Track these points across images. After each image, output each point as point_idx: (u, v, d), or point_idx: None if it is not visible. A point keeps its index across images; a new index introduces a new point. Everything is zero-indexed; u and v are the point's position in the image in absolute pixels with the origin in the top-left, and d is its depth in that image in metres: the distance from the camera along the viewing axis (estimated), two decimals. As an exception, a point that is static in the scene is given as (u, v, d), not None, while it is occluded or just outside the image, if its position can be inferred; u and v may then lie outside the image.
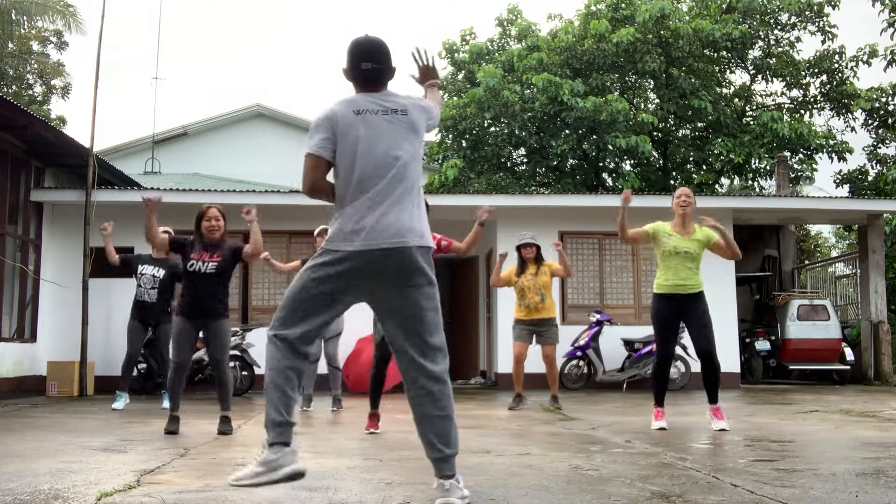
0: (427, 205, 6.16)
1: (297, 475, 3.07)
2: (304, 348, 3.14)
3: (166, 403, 8.08)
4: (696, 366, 10.10)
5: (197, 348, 6.75)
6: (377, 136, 3.18)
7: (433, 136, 19.04)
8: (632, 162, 18.10)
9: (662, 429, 6.01)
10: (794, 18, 18.06)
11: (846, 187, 18.33)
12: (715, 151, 17.11)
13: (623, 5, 17.66)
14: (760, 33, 18.07)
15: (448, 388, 3.16)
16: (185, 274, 5.84)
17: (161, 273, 8.18)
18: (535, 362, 8.67)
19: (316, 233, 8.24)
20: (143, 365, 10.48)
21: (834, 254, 23.69)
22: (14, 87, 21.21)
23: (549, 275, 8.21)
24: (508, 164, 18.60)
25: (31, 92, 21.74)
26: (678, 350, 11.25)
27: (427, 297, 3.15)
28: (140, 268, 8.25)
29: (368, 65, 3.27)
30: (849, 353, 13.22)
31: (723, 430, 5.91)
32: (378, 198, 3.13)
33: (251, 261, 6.28)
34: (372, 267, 3.10)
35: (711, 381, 6.08)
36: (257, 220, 5.71)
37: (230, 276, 5.99)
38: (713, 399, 6.09)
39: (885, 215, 14.47)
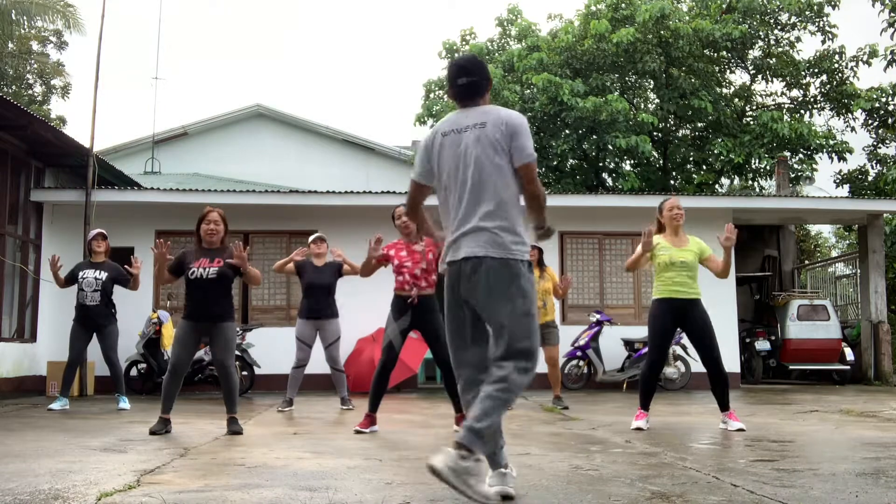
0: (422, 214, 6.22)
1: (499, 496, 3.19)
2: (480, 376, 3.35)
3: (123, 404, 8.11)
4: (696, 366, 10.14)
5: (198, 349, 6.75)
6: (460, 155, 3.38)
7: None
8: (632, 162, 18.09)
9: (639, 429, 6.03)
10: (794, 18, 18.05)
11: (846, 187, 18.31)
12: (715, 151, 17.11)
13: (623, 5, 17.66)
14: (760, 33, 18.06)
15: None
16: (187, 282, 5.86)
17: (103, 276, 8.13)
18: (534, 362, 8.66)
19: (310, 240, 8.30)
20: (144, 365, 10.49)
21: (834, 254, 23.67)
22: (14, 87, 21.21)
23: (551, 281, 8.32)
24: (508, 163, 18.57)
25: (31, 92, 21.74)
26: (679, 350, 11.27)
27: (514, 303, 3.26)
28: (81, 273, 8.16)
29: (464, 79, 3.47)
30: (849, 353, 13.22)
31: (740, 429, 5.93)
32: (460, 212, 3.35)
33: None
34: (456, 277, 3.36)
35: (720, 389, 6.08)
36: (245, 262, 5.84)
37: (232, 280, 5.99)
38: (725, 407, 6.10)
39: (885, 215, 14.48)
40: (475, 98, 3.48)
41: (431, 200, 3.57)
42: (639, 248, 6.19)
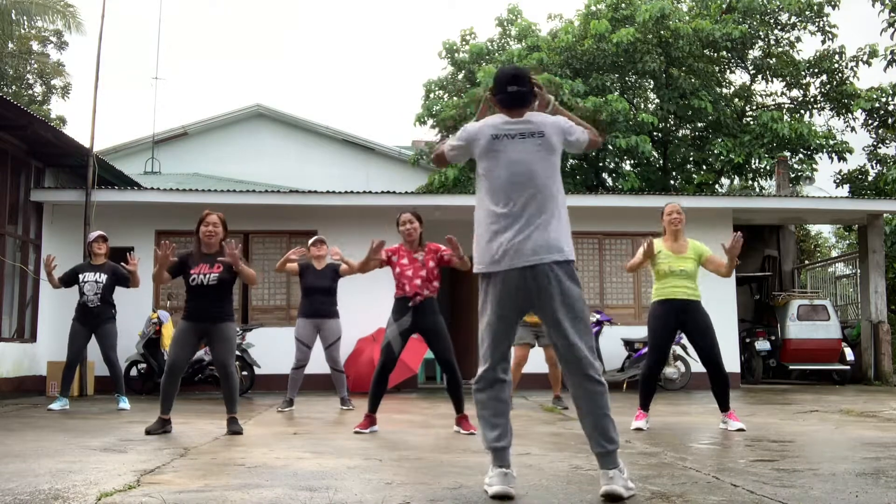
0: (419, 217, 6.22)
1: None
2: (501, 375, 3.53)
3: (123, 404, 8.12)
4: (696, 366, 10.15)
5: (198, 349, 6.75)
6: (514, 159, 3.48)
7: (433, 136, 19.08)
8: (632, 162, 18.09)
9: (639, 429, 6.03)
10: (794, 18, 18.05)
11: (846, 187, 18.31)
12: (715, 151, 17.10)
13: (623, 5, 17.65)
14: (760, 33, 18.05)
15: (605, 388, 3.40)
16: (188, 288, 5.89)
17: (103, 278, 8.15)
18: (535, 363, 8.67)
19: (310, 243, 8.29)
20: (144, 365, 10.48)
21: (834, 254, 23.67)
22: (14, 87, 21.20)
23: None
24: (508, 164, 18.57)
25: (31, 92, 21.73)
26: (679, 350, 11.26)
27: (566, 304, 3.38)
28: (82, 276, 8.18)
29: (514, 87, 3.58)
30: (849, 353, 13.22)
31: (740, 429, 5.93)
32: (518, 218, 3.42)
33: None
34: (516, 284, 3.40)
35: (721, 389, 6.08)
36: (237, 262, 5.84)
37: (233, 284, 6.02)
38: (725, 407, 6.10)
39: (885, 215, 14.47)
40: (521, 108, 3.60)
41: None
42: (639, 253, 6.19)
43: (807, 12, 17.65)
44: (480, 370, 3.54)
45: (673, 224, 6.27)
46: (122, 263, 8.20)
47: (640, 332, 11.59)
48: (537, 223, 3.41)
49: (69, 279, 8.22)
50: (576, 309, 3.40)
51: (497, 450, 3.43)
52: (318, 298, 8.04)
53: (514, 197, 3.46)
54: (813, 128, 17.02)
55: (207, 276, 5.84)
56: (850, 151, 17.16)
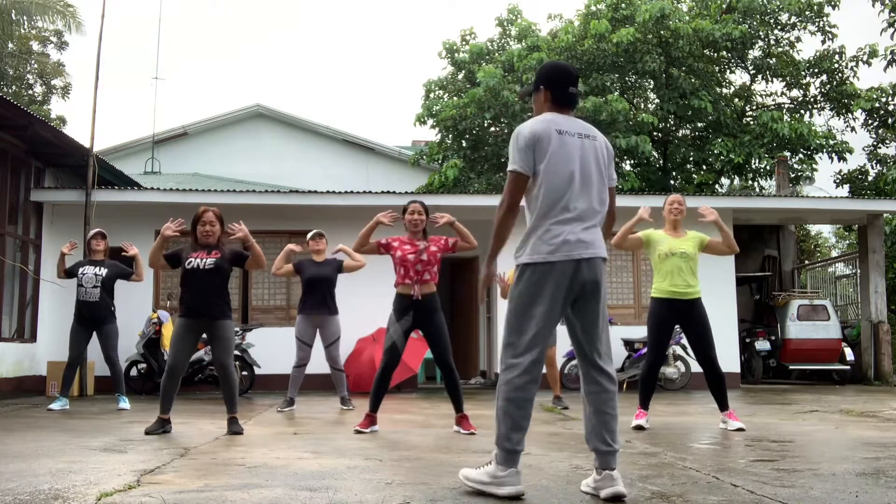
0: (426, 208, 6.24)
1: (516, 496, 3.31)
2: (539, 372, 3.46)
3: (123, 404, 8.12)
4: (696, 366, 10.14)
5: (197, 349, 6.75)
6: (575, 157, 3.48)
7: (434, 136, 19.10)
8: (632, 162, 18.09)
9: (640, 427, 6.05)
10: (794, 18, 18.05)
11: (846, 187, 18.32)
12: (715, 151, 17.10)
13: (623, 5, 17.66)
14: (760, 33, 18.06)
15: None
16: (185, 273, 5.87)
17: (103, 272, 8.14)
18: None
19: (309, 237, 8.27)
20: (144, 365, 10.49)
21: (834, 254, 23.67)
22: (14, 87, 21.21)
23: None
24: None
25: (31, 92, 21.74)
26: (679, 350, 11.26)
27: (603, 300, 3.49)
28: (81, 269, 8.18)
29: (574, 89, 3.60)
30: (849, 353, 13.23)
31: (740, 429, 5.94)
32: (577, 213, 3.44)
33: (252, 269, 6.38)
34: (571, 274, 3.40)
35: (718, 388, 6.09)
36: (248, 237, 5.93)
37: (229, 276, 6.00)
38: (723, 406, 6.11)
39: (885, 215, 14.48)
40: (573, 109, 3.64)
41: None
42: (631, 222, 6.23)
43: (807, 12, 17.65)
44: (523, 360, 3.38)
45: (673, 213, 6.32)
46: (122, 252, 8.22)
47: (640, 332, 11.58)
48: (593, 221, 3.50)
49: (71, 272, 8.26)
50: (604, 306, 3.53)
51: (516, 452, 3.40)
52: (318, 291, 8.00)
53: (573, 194, 3.46)
54: (813, 128, 17.02)
55: (205, 260, 5.84)
56: (850, 151, 17.17)
